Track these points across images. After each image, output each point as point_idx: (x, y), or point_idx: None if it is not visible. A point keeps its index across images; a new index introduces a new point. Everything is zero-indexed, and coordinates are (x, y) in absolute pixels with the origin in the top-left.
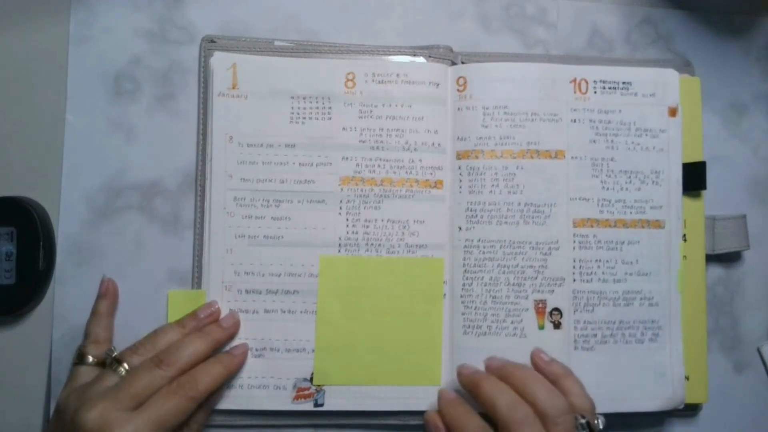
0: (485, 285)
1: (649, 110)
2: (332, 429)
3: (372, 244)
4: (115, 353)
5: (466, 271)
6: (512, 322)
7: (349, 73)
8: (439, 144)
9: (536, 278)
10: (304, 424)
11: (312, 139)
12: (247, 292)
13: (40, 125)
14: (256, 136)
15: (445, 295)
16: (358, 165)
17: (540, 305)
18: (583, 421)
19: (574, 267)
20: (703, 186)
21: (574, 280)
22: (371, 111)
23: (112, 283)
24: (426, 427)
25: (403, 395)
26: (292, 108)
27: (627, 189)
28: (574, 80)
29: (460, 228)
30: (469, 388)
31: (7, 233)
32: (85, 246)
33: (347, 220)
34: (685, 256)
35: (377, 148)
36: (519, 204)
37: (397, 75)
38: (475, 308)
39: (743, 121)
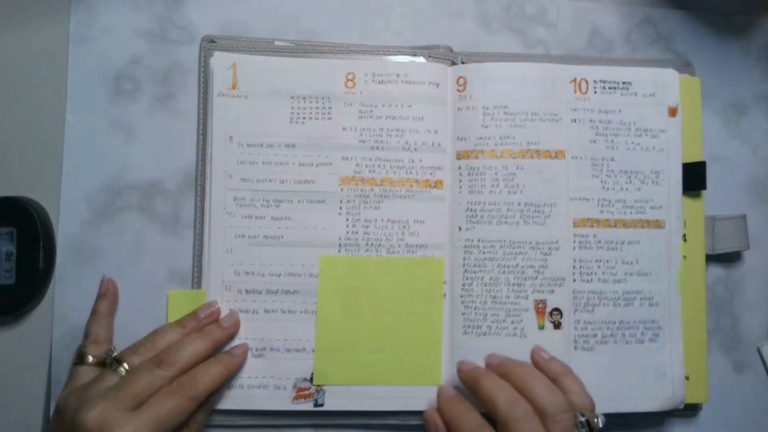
0: (485, 285)
1: (649, 110)
2: (332, 429)
3: (372, 244)
4: (115, 353)
5: (466, 271)
6: (512, 322)
7: (349, 73)
8: (439, 144)
9: (536, 278)
10: (304, 424)
11: (312, 139)
12: (247, 292)
13: (40, 125)
14: (256, 136)
15: (445, 295)
16: (358, 165)
17: (540, 305)
18: (582, 419)
19: (574, 267)
20: (703, 186)
21: (574, 280)
22: (371, 111)
23: (112, 283)
24: (425, 425)
25: (403, 395)
26: (292, 108)
27: (627, 189)
28: (575, 80)
29: (460, 228)
30: (468, 385)
31: (7, 233)
32: (85, 246)
33: (347, 220)
34: (685, 256)
35: (377, 148)
36: (519, 204)
37: (397, 75)
38: (475, 308)
39: (743, 121)
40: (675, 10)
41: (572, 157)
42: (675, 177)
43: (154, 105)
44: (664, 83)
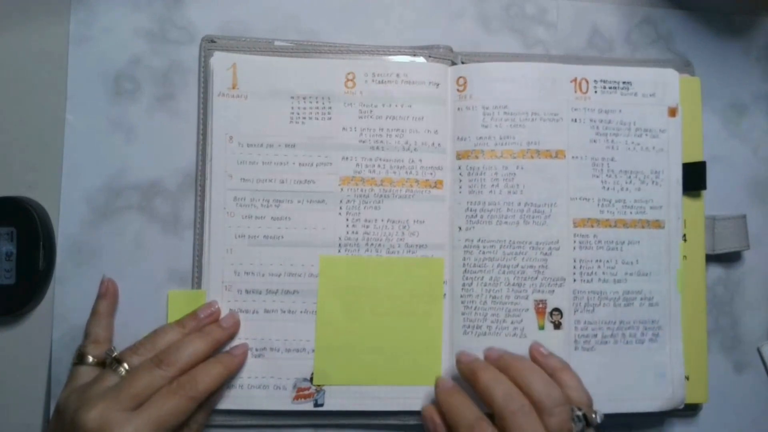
0: (485, 285)
1: (649, 110)
2: (332, 429)
3: (372, 244)
4: (115, 353)
5: (466, 271)
6: (512, 323)
7: (349, 73)
8: (439, 144)
9: (536, 278)
10: (304, 424)
11: (312, 139)
12: (247, 292)
13: (40, 125)
14: (256, 136)
15: (445, 295)
16: (358, 165)
17: (540, 305)
18: (579, 413)
19: (574, 267)
20: (703, 186)
21: (575, 280)
22: (371, 111)
23: (112, 283)
24: (423, 421)
25: (403, 395)
26: (292, 108)
27: (627, 189)
28: (575, 80)
29: (460, 228)
30: (466, 377)
31: (7, 233)
32: (85, 246)
33: (347, 220)
34: (685, 256)
35: (377, 148)
36: (519, 204)
37: (397, 75)
38: (475, 308)
39: (743, 121)
40: (675, 10)
41: (572, 157)
42: (675, 177)
43: (154, 105)
44: (664, 83)
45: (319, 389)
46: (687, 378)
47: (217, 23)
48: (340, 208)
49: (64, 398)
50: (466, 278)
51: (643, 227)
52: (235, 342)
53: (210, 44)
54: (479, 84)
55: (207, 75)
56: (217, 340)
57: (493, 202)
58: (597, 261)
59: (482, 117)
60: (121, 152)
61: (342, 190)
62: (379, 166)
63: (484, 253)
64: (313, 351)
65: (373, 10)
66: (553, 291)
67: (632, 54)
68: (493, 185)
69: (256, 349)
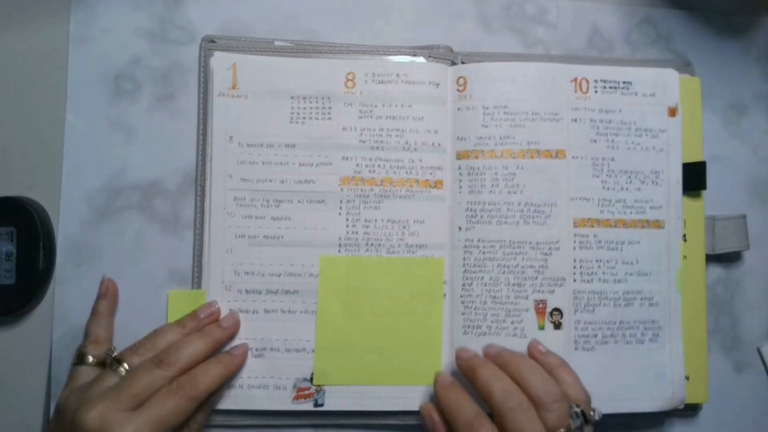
0: (485, 285)
1: (649, 110)
2: (332, 429)
3: (372, 244)
4: (115, 353)
5: (466, 271)
6: (512, 323)
7: (349, 73)
8: (439, 144)
9: (536, 278)
10: (304, 424)
11: (312, 139)
12: (247, 292)
13: (40, 125)
14: (256, 136)
15: (445, 295)
16: (358, 165)
17: (540, 305)
18: (577, 409)
19: (574, 267)
20: (703, 186)
21: (575, 281)
22: (371, 111)
23: (112, 283)
24: (422, 419)
25: (403, 395)
26: (292, 108)
27: (627, 189)
28: (575, 79)
29: (460, 228)
30: (465, 373)
31: (7, 233)
32: (85, 246)
33: (347, 220)
34: (685, 256)
35: (377, 148)
36: (519, 204)
37: (397, 75)
38: (475, 308)
39: (743, 121)
40: (675, 10)
41: (573, 157)
42: (675, 177)
43: (154, 105)
44: (664, 83)
45: (319, 389)
46: (687, 378)
47: (217, 23)
48: (340, 208)
49: (64, 398)
50: (466, 278)
51: (643, 227)
52: (235, 342)
53: (210, 44)
54: (479, 84)
55: (207, 75)
56: (217, 340)
57: (493, 202)
58: (597, 261)
59: (482, 117)
60: (121, 152)
61: (342, 190)
62: (379, 166)
63: (484, 253)
64: (313, 351)
65: (373, 10)
66: (553, 291)
67: (632, 54)
68: (493, 185)
69: (256, 349)
